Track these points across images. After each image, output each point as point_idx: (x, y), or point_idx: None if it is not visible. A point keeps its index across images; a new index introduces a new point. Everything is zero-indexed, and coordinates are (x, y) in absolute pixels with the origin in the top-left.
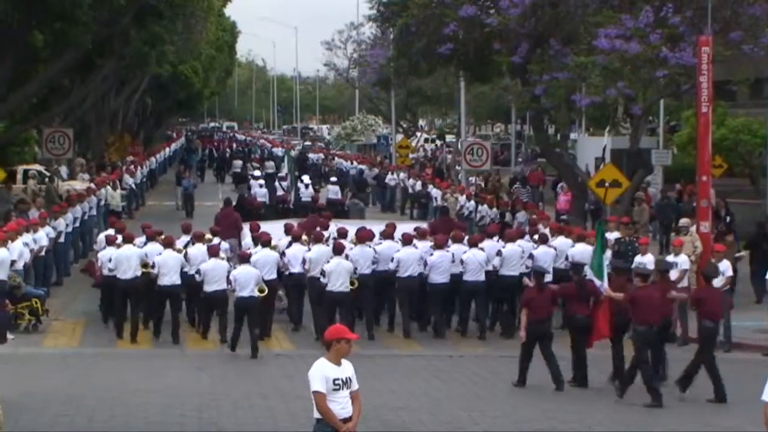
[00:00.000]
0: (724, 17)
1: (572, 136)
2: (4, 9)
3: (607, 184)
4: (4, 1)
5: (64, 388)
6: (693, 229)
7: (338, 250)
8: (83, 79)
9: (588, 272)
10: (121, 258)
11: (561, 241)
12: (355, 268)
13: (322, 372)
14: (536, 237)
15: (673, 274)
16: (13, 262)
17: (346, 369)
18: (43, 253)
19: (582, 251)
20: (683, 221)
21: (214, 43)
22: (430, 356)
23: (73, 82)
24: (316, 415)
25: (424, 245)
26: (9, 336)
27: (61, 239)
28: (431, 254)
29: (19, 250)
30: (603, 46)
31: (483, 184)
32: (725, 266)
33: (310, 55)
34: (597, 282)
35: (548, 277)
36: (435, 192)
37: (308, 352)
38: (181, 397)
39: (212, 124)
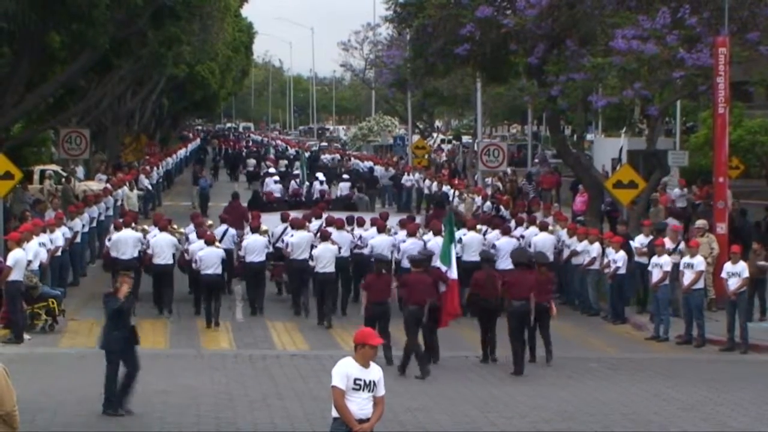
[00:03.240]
0: (741, 18)
1: (589, 137)
2: (21, 10)
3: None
4: (22, 2)
5: (80, 388)
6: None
7: (325, 236)
8: (100, 79)
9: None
10: (120, 240)
11: (529, 231)
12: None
13: (344, 370)
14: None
15: (689, 275)
16: (28, 263)
17: (373, 373)
18: (59, 254)
19: (543, 239)
20: (699, 223)
21: (231, 44)
22: (446, 357)
23: (90, 83)
24: (334, 414)
25: (403, 234)
26: (25, 336)
27: (78, 240)
28: (404, 241)
29: (35, 250)
30: (620, 47)
31: (500, 185)
32: (741, 267)
33: (326, 55)
34: (443, 267)
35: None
36: (452, 193)
37: (324, 353)
38: (197, 398)
39: (228, 125)
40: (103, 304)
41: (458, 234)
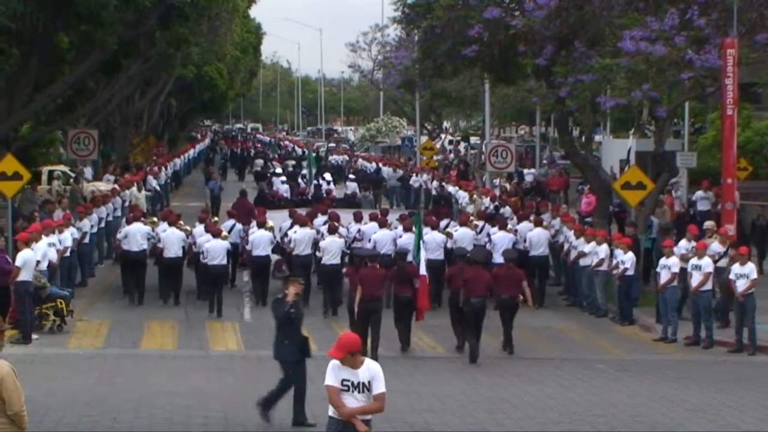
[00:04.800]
0: (750, 19)
1: (597, 138)
2: (29, 11)
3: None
4: (30, 3)
5: (88, 388)
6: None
7: (332, 230)
8: (108, 80)
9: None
10: (130, 232)
11: (523, 226)
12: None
13: (333, 370)
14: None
15: (697, 277)
16: (37, 263)
17: (362, 374)
18: (67, 254)
19: (538, 234)
20: (708, 224)
21: (239, 45)
22: (454, 358)
23: (99, 84)
24: (330, 413)
25: (400, 229)
26: (34, 336)
27: (86, 240)
28: (401, 236)
29: (43, 250)
30: (628, 48)
31: (507, 186)
32: (750, 269)
33: (334, 56)
34: (416, 263)
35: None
36: (461, 194)
37: None
38: (205, 399)
39: (237, 126)
40: (272, 311)
41: (452, 230)
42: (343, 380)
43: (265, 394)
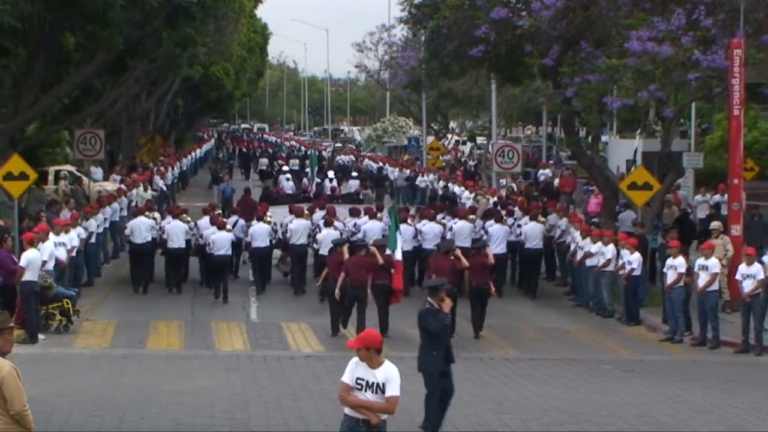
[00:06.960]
0: (757, 20)
1: (603, 138)
2: (36, 11)
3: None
4: (36, 3)
5: (94, 388)
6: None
7: (328, 223)
8: (115, 80)
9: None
10: (135, 226)
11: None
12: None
13: (350, 367)
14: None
15: (704, 277)
16: (43, 263)
17: (379, 374)
18: (74, 254)
19: (532, 227)
20: (714, 224)
21: (246, 45)
22: (461, 358)
23: (105, 84)
24: (346, 411)
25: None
26: (40, 336)
27: (92, 240)
28: None
29: (50, 250)
30: (635, 48)
31: (514, 186)
32: (756, 269)
33: (341, 56)
34: (395, 254)
35: (503, 248)
36: (466, 194)
37: (338, 354)
38: (212, 399)
39: (244, 126)
40: (424, 321)
41: (450, 223)
42: (358, 379)
43: (423, 422)
